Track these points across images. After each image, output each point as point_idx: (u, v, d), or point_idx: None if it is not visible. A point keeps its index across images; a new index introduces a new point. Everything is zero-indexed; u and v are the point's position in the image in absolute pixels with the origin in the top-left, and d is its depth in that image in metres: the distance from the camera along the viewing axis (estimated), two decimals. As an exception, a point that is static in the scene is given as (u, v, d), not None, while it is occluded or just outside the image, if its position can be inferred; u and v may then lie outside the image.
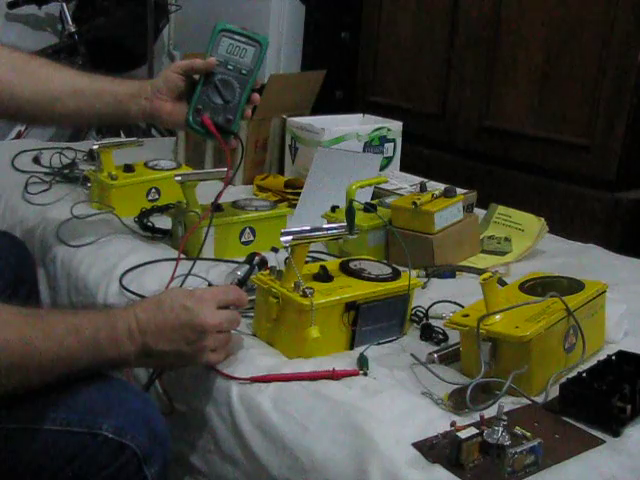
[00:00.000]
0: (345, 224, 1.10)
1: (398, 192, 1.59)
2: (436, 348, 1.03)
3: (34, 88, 1.20)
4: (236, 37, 1.20)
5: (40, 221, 1.50)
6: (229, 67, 1.19)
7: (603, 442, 0.85)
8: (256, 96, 1.22)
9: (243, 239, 1.36)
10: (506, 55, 2.28)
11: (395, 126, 1.87)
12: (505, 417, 0.81)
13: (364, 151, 1.78)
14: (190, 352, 0.94)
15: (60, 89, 1.21)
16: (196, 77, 1.20)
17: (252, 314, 1.09)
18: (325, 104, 2.11)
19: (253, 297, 1.09)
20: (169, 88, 1.20)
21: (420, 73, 2.56)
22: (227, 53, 1.19)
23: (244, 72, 1.20)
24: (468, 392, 0.88)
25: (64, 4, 3.01)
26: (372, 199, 1.53)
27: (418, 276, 1.26)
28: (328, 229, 1.06)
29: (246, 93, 1.20)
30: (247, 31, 1.20)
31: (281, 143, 1.87)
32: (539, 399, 0.93)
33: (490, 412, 0.85)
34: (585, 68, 2.08)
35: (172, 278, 1.18)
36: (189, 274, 1.18)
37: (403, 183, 1.68)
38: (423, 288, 1.23)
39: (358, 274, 1.07)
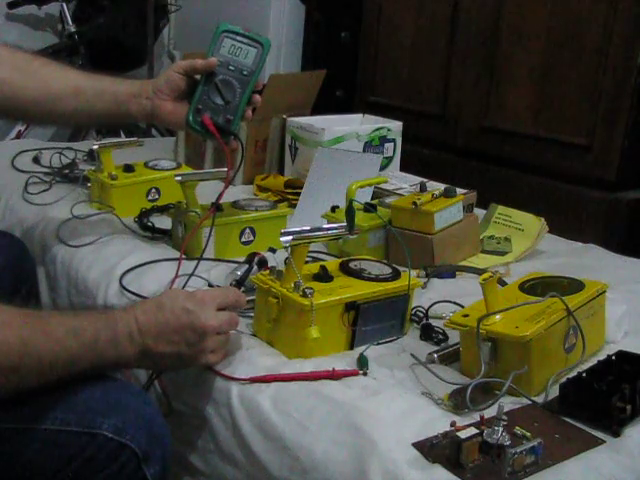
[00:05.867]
0: (345, 224, 1.10)
1: (398, 192, 1.59)
2: (436, 348, 1.03)
3: (36, 88, 1.20)
4: (238, 38, 1.20)
5: (40, 221, 1.50)
6: (230, 68, 1.19)
7: (603, 442, 0.85)
8: (257, 97, 1.22)
9: (243, 239, 1.36)
10: (506, 55, 2.28)
11: (395, 126, 1.87)
12: (505, 417, 0.81)
13: (364, 151, 1.78)
14: (190, 354, 0.94)
15: (61, 89, 1.21)
16: (197, 77, 1.21)
17: (252, 314, 1.09)
18: (325, 104, 2.11)
19: (253, 297, 1.09)
20: (170, 88, 1.20)
21: (420, 73, 2.56)
22: (229, 54, 1.20)
23: (245, 73, 1.20)
24: (468, 392, 0.87)
25: (64, 4, 3.01)
26: (372, 199, 1.53)
27: (418, 276, 1.26)
28: (328, 229, 1.06)
29: (247, 94, 1.20)
30: (249, 32, 1.21)
31: (281, 143, 1.87)
32: (539, 399, 0.93)
33: (490, 412, 0.85)
34: (585, 68, 2.08)
35: (176, 277, 1.18)
36: (192, 274, 1.18)
37: (403, 183, 1.68)
38: (423, 288, 1.23)
39: (358, 274, 1.07)
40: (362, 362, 0.98)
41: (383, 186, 1.58)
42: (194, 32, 3.21)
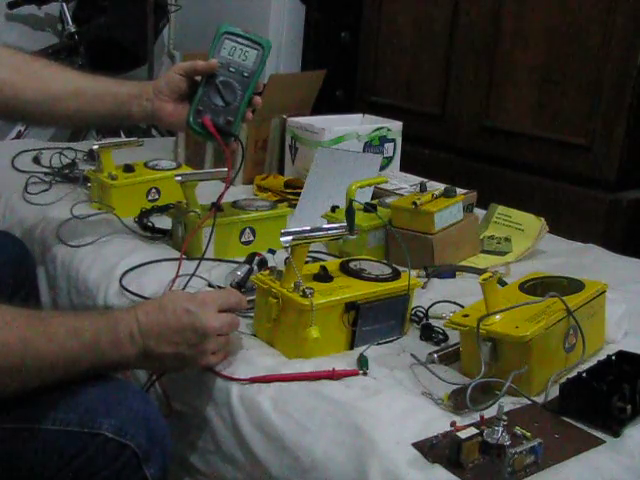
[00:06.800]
0: (345, 224, 1.10)
1: (398, 192, 1.59)
2: (436, 348, 1.03)
3: (37, 89, 1.20)
4: (239, 40, 1.20)
5: (40, 221, 1.50)
6: (231, 69, 1.19)
7: (603, 442, 0.85)
8: (257, 99, 1.22)
9: (243, 239, 1.36)
10: (506, 55, 2.28)
11: (395, 126, 1.87)
12: (505, 417, 0.81)
13: (364, 151, 1.78)
14: (191, 355, 0.94)
15: (62, 90, 1.22)
16: (198, 79, 1.21)
17: (252, 314, 1.09)
18: (325, 104, 2.11)
19: (253, 297, 1.09)
20: (171, 89, 1.21)
21: (420, 73, 2.56)
22: (229, 55, 1.20)
23: (246, 74, 1.20)
24: (468, 392, 0.88)
25: (64, 4, 3.01)
26: (372, 199, 1.53)
27: (418, 276, 1.26)
28: (328, 229, 1.06)
29: (247, 95, 1.20)
30: (250, 34, 1.21)
31: (281, 143, 1.87)
32: (539, 399, 0.93)
33: (490, 412, 0.85)
34: (585, 68, 2.08)
35: (176, 277, 1.18)
36: (193, 275, 1.19)
37: (403, 183, 1.68)
38: (423, 288, 1.23)
39: (358, 274, 1.07)
40: (362, 362, 0.98)
41: (383, 186, 1.58)
42: (194, 32, 3.22)
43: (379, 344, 1.06)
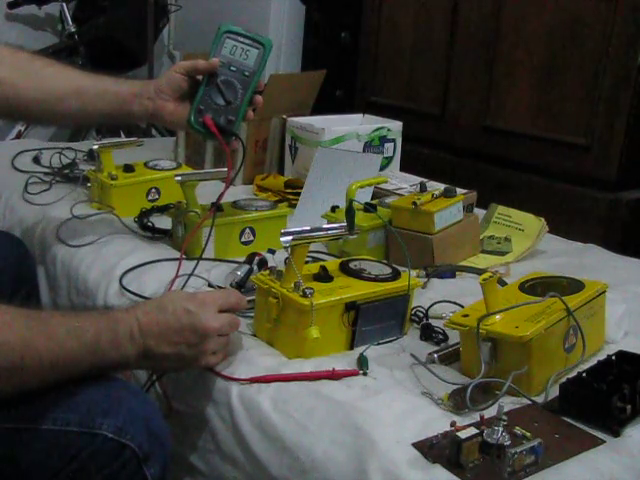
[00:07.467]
0: (345, 224, 1.10)
1: (398, 192, 1.60)
2: (436, 348, 1.03)
3: (38, 88, 1.20)
4: (240, 39, 1.20)
5: (40, 221, 1.50)
6: (232, 68, 1.20)
7: (603, 442, 0.85)
8: (258, 98, 1.22)
9: (243, 239, 1.36)
10: (506, 55, 2.28)
11: (395, 126, 1.87)
12: (505, 417, 0.81)
13: (364, 151, 1.78)
14: (191, 355, 0.94)
15: (64, 89, 1.22)
16: (199, 78, 1.21)
17: (252, 314, 1.09)
18: (325, 104, 2.11)
19: (253, 297, 1.09)
20: (172, 88, 1.21)
21: (420, 73, 2.56)
22: (230, 54, 1.20)
23: (247, 74, 1.20)
24: (468, 392, 0.88)
25: (64, 4, 3.01)
26: (372, 199, 1.53)
27: (418, 276, 1.26)
28: (328, 229, 1.06)
29: (248, 95, 1.20)
30: (251, 33, 1.21)
31: (281, 143, 1.87)
32: (539, 399, 0.93)
33: (490, 412, 0.85)
34: (585, 68, 2.08)
35: (176, 277, 1.18)
36: (192, 274, 1.19)
37: (403, 183, 1.68)
38: (423, 288, 1.23)
39: (358, 274, 1.07)
40: (362, 362, 0.98)
41: (383, 186, 1.58)
42: (194, 32, 3.22)
43: (379, 344, 1.06)
